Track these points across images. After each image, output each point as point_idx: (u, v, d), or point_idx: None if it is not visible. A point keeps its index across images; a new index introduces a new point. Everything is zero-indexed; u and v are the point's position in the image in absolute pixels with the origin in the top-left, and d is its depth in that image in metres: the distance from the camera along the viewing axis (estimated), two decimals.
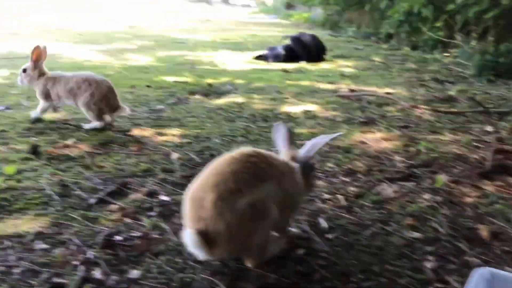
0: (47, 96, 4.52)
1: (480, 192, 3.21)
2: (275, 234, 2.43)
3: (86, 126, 4.42)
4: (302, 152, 2.49)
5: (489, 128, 4.88)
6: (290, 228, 2.59)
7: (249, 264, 2.24)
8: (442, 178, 3.37)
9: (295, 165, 2.41)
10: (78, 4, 25.39)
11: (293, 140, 2.61)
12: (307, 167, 2.47)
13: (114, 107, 4.48)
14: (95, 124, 4.40)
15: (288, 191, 2.28)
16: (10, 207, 2.83)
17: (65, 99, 4.47)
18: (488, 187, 3.32)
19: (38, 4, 23.32)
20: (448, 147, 4.20)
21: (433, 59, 10.21)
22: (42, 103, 4.59)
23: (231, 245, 2.09)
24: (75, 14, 20.24)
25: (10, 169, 3.27)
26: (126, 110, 4.55)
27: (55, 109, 4.80)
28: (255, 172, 2.15)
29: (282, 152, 2.53)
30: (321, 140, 2.52)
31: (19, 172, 3.33)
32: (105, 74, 7.41)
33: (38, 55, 4.49)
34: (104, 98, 4.40)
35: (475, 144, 4.33)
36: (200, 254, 2.07)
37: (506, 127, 4.90)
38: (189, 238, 2.03)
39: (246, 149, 2.29)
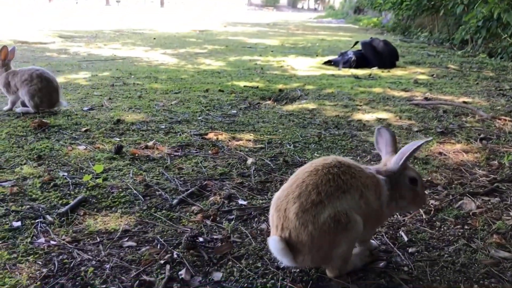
0: (7, 86, 5.10)
1: None
2: (358, 246, 2.41)
3: (18, 109, 5.10)
4: (392, 162, 2.38)
5: None
6: (371, 241, 2.55)
7: (330, 274, 2.23)
8: None
9: (381, 177, 2.32)
10: (143, 7, 26.37)
11: (396, 146, 2.47)
12: (395, 179, 2.34)
13: (53, 103, 5.13)
14: (30, 110, 5.05)
15: (370, 204, 2.22)
16: (98, 205, 3.00)
17: (21, 89, 5.03)
18: None
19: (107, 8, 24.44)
20: None
21: None
22: (10, 97, 5.18)
23: (314, 255, 2.11)
24: (144, 18, 21.01)
25: (98, 167, 3.47)
26: (63, 104, 5.19)
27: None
28: (338, 183, 2.14)
29: (382, 160, 2.47)
30: (410, 147, 2.34)
31: (105, 170, 3.53)
32: (179, 77, 7.70)
33: (5, 55, 5.09)
34: (47, 95, 5.04)
35: None
36: (284, 260, 2.12)
37: None
38: (274, 244, 2.09)
39: (329, 158, 2.28)
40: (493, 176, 3.64)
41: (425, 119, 5.41)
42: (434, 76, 8.61)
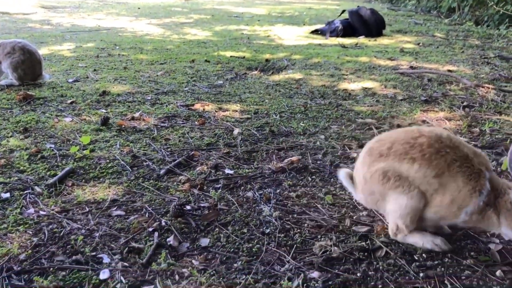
0: None
1: None
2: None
3: (2, 82, 5.10)
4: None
5: None
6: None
7: (389, 231, 2.34)
8: (507, 162, 3.28)
9: (488, 187, 2.14)
10: None
11: None
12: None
13: (36, 76, 5.12)
14: (14, 82, 5.06)
15: (448, 192, 2.15)
16: (86, 175, 3.04)
17: (4, 62, 5.04)
18: None
19: None
20: None
21: (499, 35, 9.75)
22: None
23: (367, 197, 2.37)
24: None
25: (85, 139, 3.49)
26: (46, 77, 5.22)
27: None
28: (415, 151, 2.19)
29: None
30: None
31: (92, 142, 3.55)
32: (165, 48, 7.63)
33: None
34: (31, 67, 5.04)
35: None
36: (348, 190, 2.53)
37: None
38: (340, 174, 2.53)
39: (444, 132, 2.29)
40: (474, 142, 3.73)
41: (410, 87, 5.47)
42: (420, 44, 8.63)
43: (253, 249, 2.26)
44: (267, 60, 6.82)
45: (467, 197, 2.13)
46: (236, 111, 4.43)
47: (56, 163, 3.18)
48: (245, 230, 2.43)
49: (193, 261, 2.17)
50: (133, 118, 4.07)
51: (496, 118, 4.37)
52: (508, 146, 3.64)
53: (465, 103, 4.81)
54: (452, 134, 2.35)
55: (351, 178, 2.50)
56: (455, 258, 2.19)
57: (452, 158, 2.16)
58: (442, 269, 2.10)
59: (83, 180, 2.97)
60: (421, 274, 2.06)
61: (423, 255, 2.21)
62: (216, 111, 4.38)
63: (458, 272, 2.08)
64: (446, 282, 2.01)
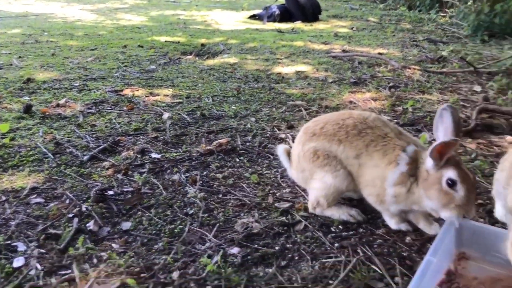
0: None
1: (462, 149, 3.31)
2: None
3: None
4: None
5: (477, 88, 4.94)
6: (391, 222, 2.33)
7: (308, 206, 2.41)
8: (425, 136, 3.46)
9: (404, 156, 2.12)
10: None
11: (459, 131, 2.01)
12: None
13: None
14: None
15: (368, 170, 2.20)
16: (5, 164, 2.91)
17: None
18: (471, 144, 3.41)
19: None
20: (435, 106, 4.27)
21: (429, 19, 10.15)
22: None
23: (299, 174, 2.46)
24: None
25: (3, 127, 3.34)
26: None
27: None
28: (341, 132, 2.27)
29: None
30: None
31: (13, 130, 3.40)
32: (97, 34, 7.40)
33: None
34: None
35: (462, 103, 4.40)
36: (284, 165, 2.62)
37: (493, 86, 4.96)
38: (279, 150, 2.62)
39: (372, 114, 2.36)
40: (396, 120, 3.89)
41: (341, 70, 5.61)
42: (354, 29, 8.84)
43: (175, 230, 2.26)
44: (202, 45, 6.77)
45: (385, 171, 2.15)
46: (168, 95, 4.38)
47: None
48: (168, 212, 2.42)
49: (113, 244, 2.14)
50: (58, 105, 3.93)
51: (419, 97, 4.57)
52: (427, 123, 3.83)
53: (391, 84, 5.00)
54: (380, 115, 2.42)
55: (288, 154, 2.59)
56: (369, 228, 2.29)
57: (370, 139, 2.22)
58: (356, 239, 2.20)
59: (1, 169, 2.85)
60: (336, 245, 2.14)
61: (340, 226, 2.30)
62: (146, 96, 4.31)
63: (371, 241, 2.18)
64: (359, 250, 2.10)
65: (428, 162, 2.02)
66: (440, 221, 2.19)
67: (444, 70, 5.73)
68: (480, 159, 3.11)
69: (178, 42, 6.90)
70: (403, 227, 2.25)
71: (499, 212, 2.33)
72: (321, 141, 2.32)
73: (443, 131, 2.01)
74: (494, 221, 2.30)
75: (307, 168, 2.37)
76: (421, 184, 2.06)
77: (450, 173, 1.93)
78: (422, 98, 4.50)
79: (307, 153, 2.35)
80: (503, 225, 2.23)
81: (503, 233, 1.87)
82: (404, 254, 2.08)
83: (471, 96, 4.64)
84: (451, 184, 1.92)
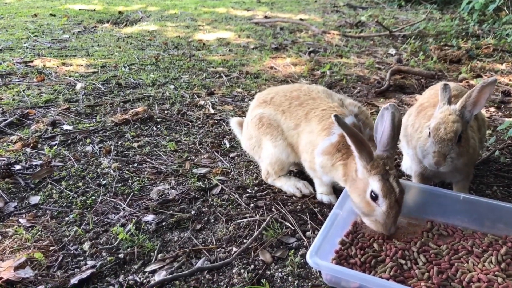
0: None
1: (375, 109, 3.45)
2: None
3: None
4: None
5: (392, 51, 5.14)
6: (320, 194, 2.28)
7: (262, 174, 2.40)
8: None
9: (330, 139, 2.04)
10: None
11: (396, 135, 1.86)
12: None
13: None
14: None
15: (303, 140, 2.15)
16: None
17: None
18: (383, 104, 3.56)
19: None
20: (352, 69, 4.40)
21: None
22: None
23: (246, 141, 2.44)
24: None
25: None
26: None
27: None
28: (287, 102, 2.26)
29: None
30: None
31: None
32: (3, 2, 6.87)
33: None
34: None
35: (377, 66, 4.57)
36: (237, 137, 2.68)
37: (407, 49, 5.18)
38: (231, 122, 2.70)
39: (319, 87, 2.35)
40: (314, 84, 3.97)
41: (263, 36, 5.61)
42: None
43: (88, 201, 2.19)
44: (120, 13, 6.50)
45: (317, 137, 2.08)
46: (81, 65, 4.18)
47: None
48: (80, 184, 2.34)
49: (20, 219, 2.05)
50: None
51: (337, 61, 4.68)
52: (343, 86, 3.94)
53: (311, 49, 5.08)
54: (326, 88, 2.37)
55: (241, 126, 2.58)
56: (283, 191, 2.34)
57: (311, 107, 2.17)
58: (271, 198, 2.25)
59: None
60: (251, 205, 2.18)
61: (255, 188, 2.34)
62: (58, 67, 4.09)
63: (285, 200, 2.24)
64: (273, 209, 2.15)
65: (358, 163, 1.86)
66: None
67: (362, 34, 5.90)
68: None
69: (94, 10, 6.57)
70: (326, 199, 2.22)
71: (405, 165, 2.47)
72: (268, 109, 2.30)
73: (381, 133, 1.85)
74: (400, 174, 2.44)
75: (254, 135, 2.35)
76: (348, 181, 1.95)
77: (375, 185, 1.77)
78: (340, 62, 4.62)
79: (254, 119, 2.34)
80: (408, 177, 2.37)
81: (407, 185, 1.99)
82: (316, 209, 2.15)
83: (386, 59, 4.82)
84: (374, 197, 1.78)
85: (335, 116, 1.74)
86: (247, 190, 2.32)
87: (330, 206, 2.18)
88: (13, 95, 3.42)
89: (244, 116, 2.65)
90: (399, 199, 1.80)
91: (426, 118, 2.11)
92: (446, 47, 5.07)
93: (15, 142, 2.73)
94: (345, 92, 3.78)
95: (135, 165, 2.55)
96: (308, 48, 5.11)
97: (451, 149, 1.87)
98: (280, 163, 2.30)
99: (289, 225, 2.04)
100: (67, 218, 2.07)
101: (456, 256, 1.75)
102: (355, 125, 2.03)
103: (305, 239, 1.93)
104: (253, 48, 5.07)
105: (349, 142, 1.81)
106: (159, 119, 3.15)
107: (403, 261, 1.72)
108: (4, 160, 2.53)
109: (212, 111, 3.33)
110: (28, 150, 2.66)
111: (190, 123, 3.11)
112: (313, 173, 2.21)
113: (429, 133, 1.93)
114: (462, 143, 1.91)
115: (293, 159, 2.29)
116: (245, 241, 1.93)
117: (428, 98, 2.34)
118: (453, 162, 1.89)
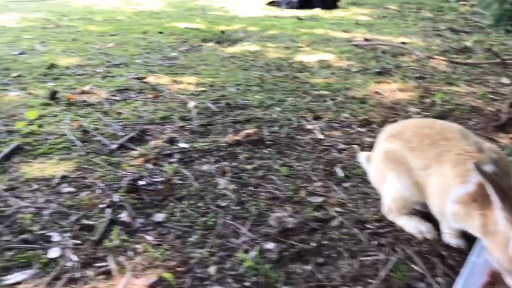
0: None
1: (495, 145, 3.23)
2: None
3: None
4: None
5: (505, 80, 4.83)
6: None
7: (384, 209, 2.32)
8: None
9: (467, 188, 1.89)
10: None
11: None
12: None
13: None
14: None
15: (433, 184, 2.04)
16: (34, 151, 2.91)
17: None
18: (503, 139, 3.34)
19: None
20: (463, 99, 4.19)
21: (450, 7, 9.96)
22: None
23: (375, 173, 2.40)
24: None
25: (31, 114, 3.33)
26: None
27: None
28: (416, 140, 2.15)
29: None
30: None
31: (39, 117, 3.39)
32: (116, 19, 7.36)
33: None
34: None
35: (490, 96, 4.31)
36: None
37: None
38: (360, 157, 2.71)
39: (455, 125, 2.24)
40: (425, 113, 3.82)
41: (364, 59, 5.52)
42: (375, 17, 8.71)
43: (209, 223, 2.24)
44: (222, 32, 6.71)
45: (451, 183, 1.94)
46: (191, 83, 4.34)
47: (1, 140, 3.02)
48: (200, 204, 2.40)
49: (147, 236, 2.13)
50: (83, 92, 3.92)
51: (446, 89, 4.48)
52: (457, 116, 3.75)
53: (417, 75, 4.91)
54: (463, 128, 2.20)
55: (369, 160, 2.55)
56: None
57: (443, 149, 2.03)
58: (394, 237, 2.16)
59: (31, 157, 2.84)
60: (374, 242, 2.11)
61: (375, 223, 2.26)
62: (170, 84, 4.28)
63: (409, 239, 2.14)
64: (397, 249, 2.06)
65: (500, 215, 1.69)
66: None
67: (470, 61, 5.62)
68: None
69: (198, 28, 6.85)
70: (454, 242, 2.08)
71: None
72: (396, 144, 2.22)
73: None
74: None
75: (380, 168, 2.30)
76: (487, 234, 1.79)
77: None
78: (450, 90, 4.42)
79: (381, 152, 2.29)
80: None
81: None
82: (444, 253, 2.03)
83: (499, 89, 4.54)
84: None
85: (475, 164, 1.64)
86: (366, 225, 2.25)
87: (458, 250, 2.05)
88: (132, 110, 3.61)
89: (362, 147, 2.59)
90: None
91: None
92: None
93: (137, 158, 2.87)
94: (460, 124, 3.59)
95: (251, 188, 2.58)
96: (414, 74, 4.94)
97: None
98: (403, 200, 2.20)
99: (415, 267, 1.94)
100: (190, 239, 2.12)
101: None
102: (495, 173, 1.85)
103: (437, 285, 1.82)
104: (355, 71, 5.00)
105: (490, 192, 1.69)
106: (269, 142, 3.17)
107: None
108: (128, 174, 2.66)
109: (321, 136, 3.30)
110: (149, 166, 2.78)
111: (299, 148, 3.10)
112: (441, 217, 2.09)
113: None
114: None
115: (417, 198, 2.17)
116: (370, 281, 1.86)
117: None
118: None
